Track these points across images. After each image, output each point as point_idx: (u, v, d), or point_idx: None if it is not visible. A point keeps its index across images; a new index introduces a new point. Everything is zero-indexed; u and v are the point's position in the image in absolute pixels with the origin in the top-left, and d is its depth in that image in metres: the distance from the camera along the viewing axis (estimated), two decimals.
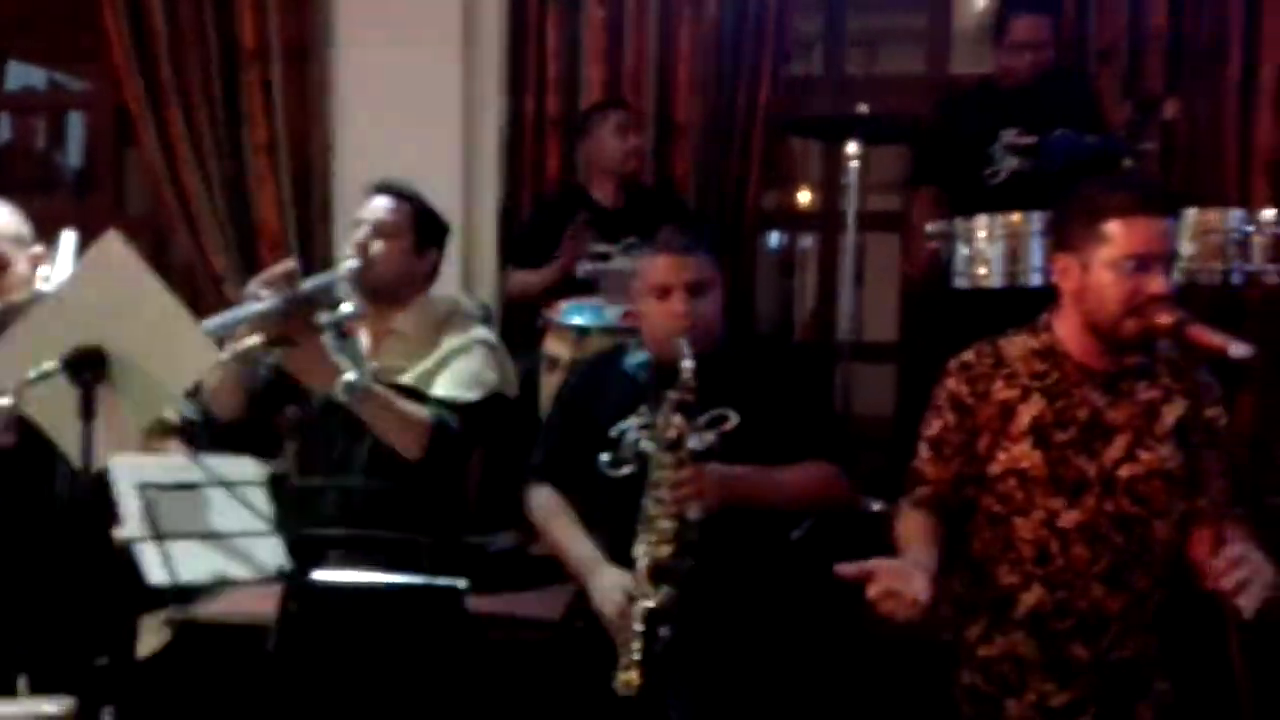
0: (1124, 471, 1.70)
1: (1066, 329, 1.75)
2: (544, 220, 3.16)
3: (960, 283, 2.61)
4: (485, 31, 3.46)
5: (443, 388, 2.01)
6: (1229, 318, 3.11)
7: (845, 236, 2.73)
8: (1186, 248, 2.35)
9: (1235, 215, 2.40)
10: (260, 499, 1.52)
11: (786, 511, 2.02)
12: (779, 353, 2.12)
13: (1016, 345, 1.78)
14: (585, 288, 3.01)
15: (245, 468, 1.52)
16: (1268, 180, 3.16)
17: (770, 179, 3.67)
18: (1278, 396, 2.89)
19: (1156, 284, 1.63)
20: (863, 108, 2.64)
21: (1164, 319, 1.62)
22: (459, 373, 2.01)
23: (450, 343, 2.04)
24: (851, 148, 2.66)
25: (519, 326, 3.15)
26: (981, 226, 2.56)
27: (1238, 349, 1.54)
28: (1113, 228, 1.66)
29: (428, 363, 2.03)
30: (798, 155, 4.40)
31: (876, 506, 3.30)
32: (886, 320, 4.18)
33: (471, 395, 2.00)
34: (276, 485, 1.61)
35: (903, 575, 1.52)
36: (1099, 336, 1.70)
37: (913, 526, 1.74)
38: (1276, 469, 2.26)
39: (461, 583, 1.65)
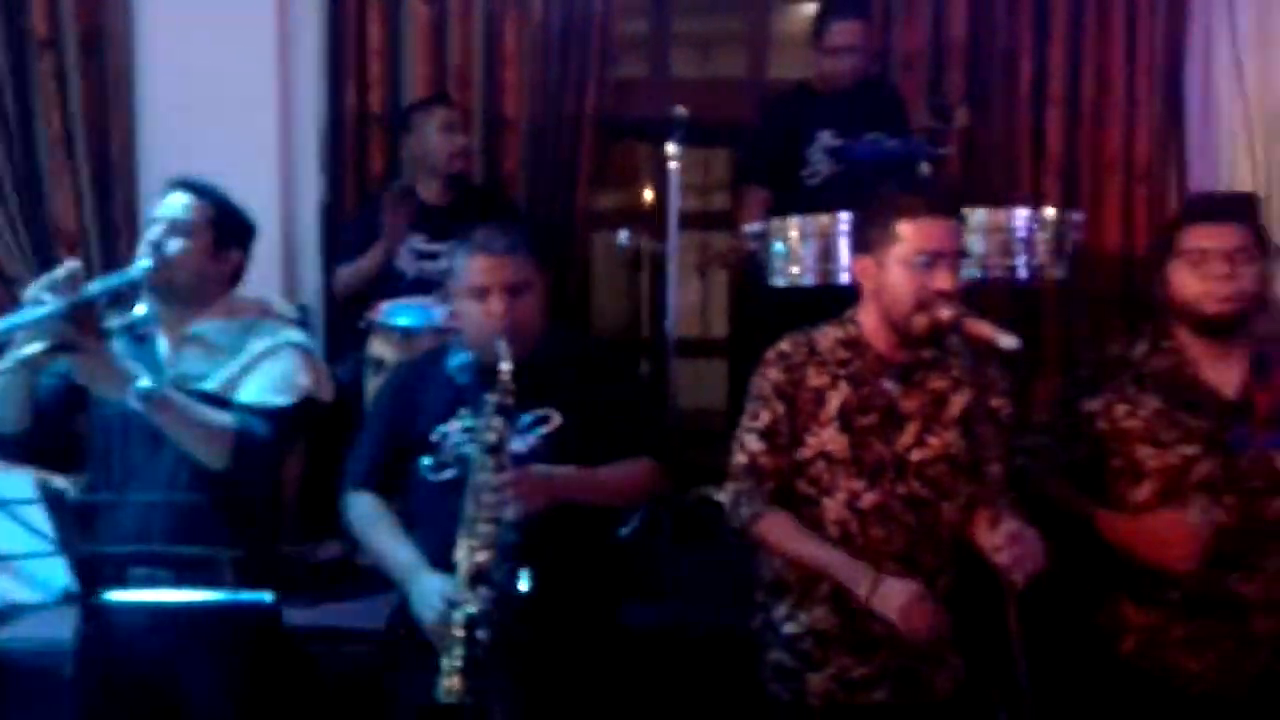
0: (914, 456, 1.81)
1: (868, 323, 1.85)
2: (370, 217, 3.08)
3: (778, 281, 2.70)
4: (302, 24, 3.36)
5: (250, 393, 1.92)
6: (1020, 309, 3.39)
7: (668, 235, 2.77)
8: (978, 245, 2.51)
9: (1021, 214, 2.58)
10: (40, 517, 1.42)
11: (611, 509, 2.05)
12: (600, 352, 2.13)
13: (827, 336, 1.87)
14: (413, 288, 2.96)
15: (21, 484, 1.41)
16: (1058, 182, 3.42)
17: (606, 178, 3.71)
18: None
19: (941, 280, 1.74)
20: (680, 110, 2.70)
21: (946, 313, 1.73)
22: (267, 376, 1.93)
23: (258, 346, 1.96)
24: (671, 148, 2.70)
25: (347, 329, 3.07)
26: (794, 227, 2.66)
27: (1006, 341, 1.66)
28: (903, 228, 1.77)
29: (233, 367, 1.94)
30: (641, 155, 4.47)
31: (720, 496, 3.40)
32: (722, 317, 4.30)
33: (281, 400, 1.92)
34: (65, 502, 1.50)
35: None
36: (894, 330, 1.81)
37: (798, 532, 1.79)
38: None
39: (268, 597, 1.59)
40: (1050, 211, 2.60)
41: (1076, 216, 2.66)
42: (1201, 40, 3.41)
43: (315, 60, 3.38)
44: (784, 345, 1.88)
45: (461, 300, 1.95)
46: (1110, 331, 3.01)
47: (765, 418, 1.84)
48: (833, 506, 1.81)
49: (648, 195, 5.68)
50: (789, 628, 1.83)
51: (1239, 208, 1.95)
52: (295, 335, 2.06)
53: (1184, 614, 1.81)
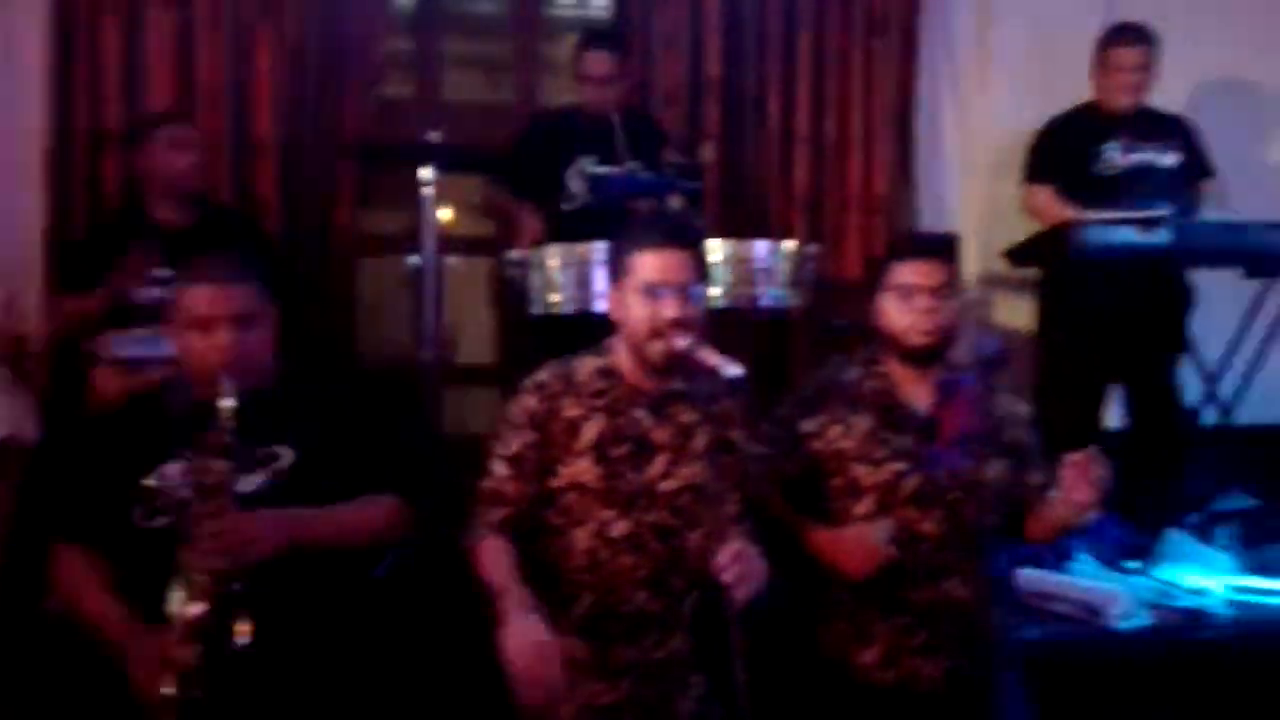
0: (663, 486, 1.85)
1: (621, 353, 1.89)
2: (99, 241, 2.87)
3: (536, 309, 2.72)
4: (23, 36, 3.09)
5: None
6: (769, 339, 3.57)
7: (424, 260, 2.73)
8: (724, 276, 2.63)
9: (761, 246, 2.72)
10: None
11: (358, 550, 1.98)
12: (340, 385, 2.06)
13: (585, 366, 1.89)
14: (151, 317, 2.77)
15: None
16: (804, 216, 3.63)
17: (382, 201, 3.61)
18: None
19: (671, 309, 1.80)
20: (435, 135, 2.67)
21: (678, 343, 1.79)
22: None
23: None
24: (424, 174, 2.67)
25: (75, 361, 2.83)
26: (553, 255, 2.69)
27: (732, 370, 1.74)
28: (636, 259, 1.83)
29: None
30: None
31: None
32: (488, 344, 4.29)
33: None
34: None
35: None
36: (639, 360, 1.85)
37: (502, 560, 1.77)
38: None
39: None
40: (788, 244, 2.75)
41: (812, 248, 2.83)
42: (929, 82, 3.71)
43: (39, 75, 3.11)
44: (542, 375, 1.89)
45: (183, 332, 1.84)
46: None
47: (515, 445, 1.84)
48: (583, 536, 1.82)
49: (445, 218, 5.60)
50: None
51: (942, 247, 2.12)
52: None
53: (918, 622, 1.94)
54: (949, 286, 2.01)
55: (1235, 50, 3.82)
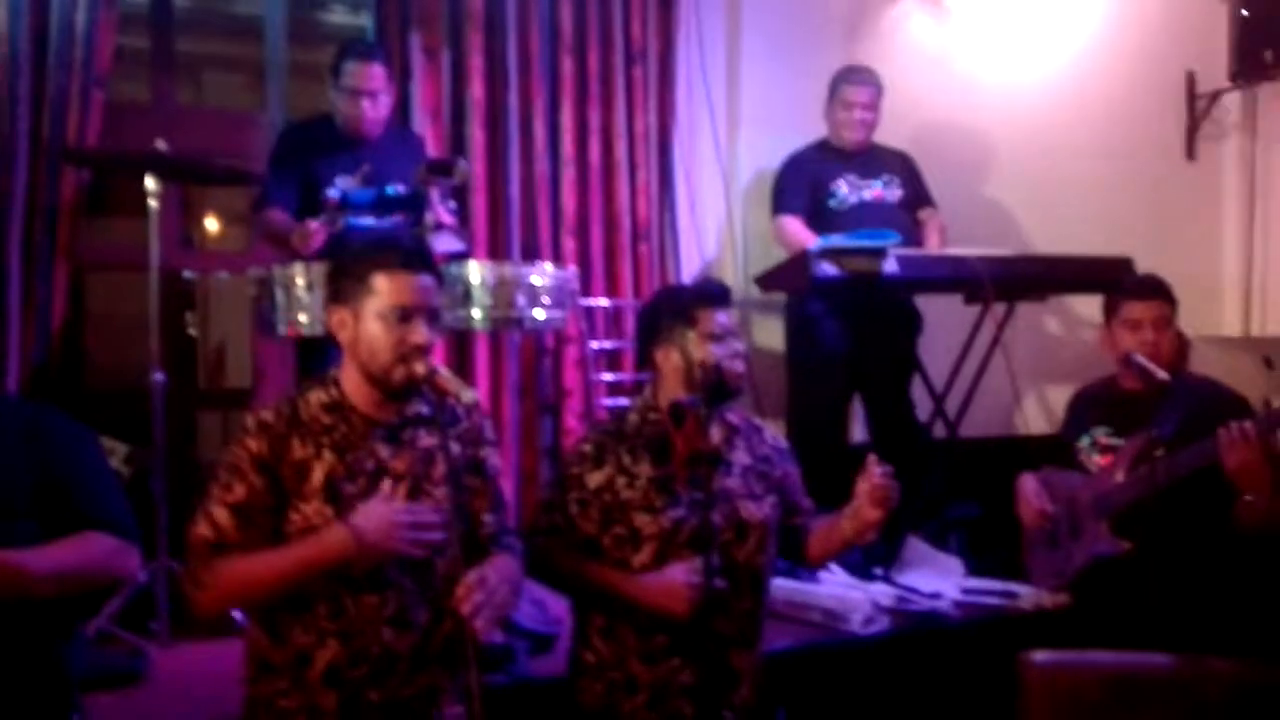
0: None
1: (350, 382, 1.79)
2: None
3: (280, 330, 2.57)
4: None
5: None
6: (540, 360, 3.55)
7: (150, 275, 2.52)
8: (486, 299, 2.60)
9: (523, 269, 2.71)
10: None
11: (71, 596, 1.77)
12: (46, 417, 1.82)
13: (311, 401, 1.78)
14: None
15: None
16: (574, 239, 3.63)
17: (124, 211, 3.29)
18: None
19: (417, 334, 1.74)
20: (160, 144, 2.47)
21: (420, 368, 1.73)
22: None
23: None
24: (149, 184, 2.47)
25: None
26: (299, 274, 2.55)
27: (467, 395, 1.74)
28: (379, 282, 1.75)
29: None
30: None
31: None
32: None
33: None
34: None
35: None
36: (375, 385, 1.77)
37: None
38: None
39: None
40: (547, 266, 2.75)
41: (572, 270, 2.84)
42: (686, 115, 3.84)
43: None
44: (266, 413, 1.76)
45: None
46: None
47: (240, 491, 1.70)
48: (319, 581, 1.70)
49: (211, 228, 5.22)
50: (284, 702, 1.72)
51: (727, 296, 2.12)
52: None
53: (683, 662, 1.92)
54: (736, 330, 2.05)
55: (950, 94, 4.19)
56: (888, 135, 3.70)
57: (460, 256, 2.85)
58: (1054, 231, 4.24)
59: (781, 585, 2.78)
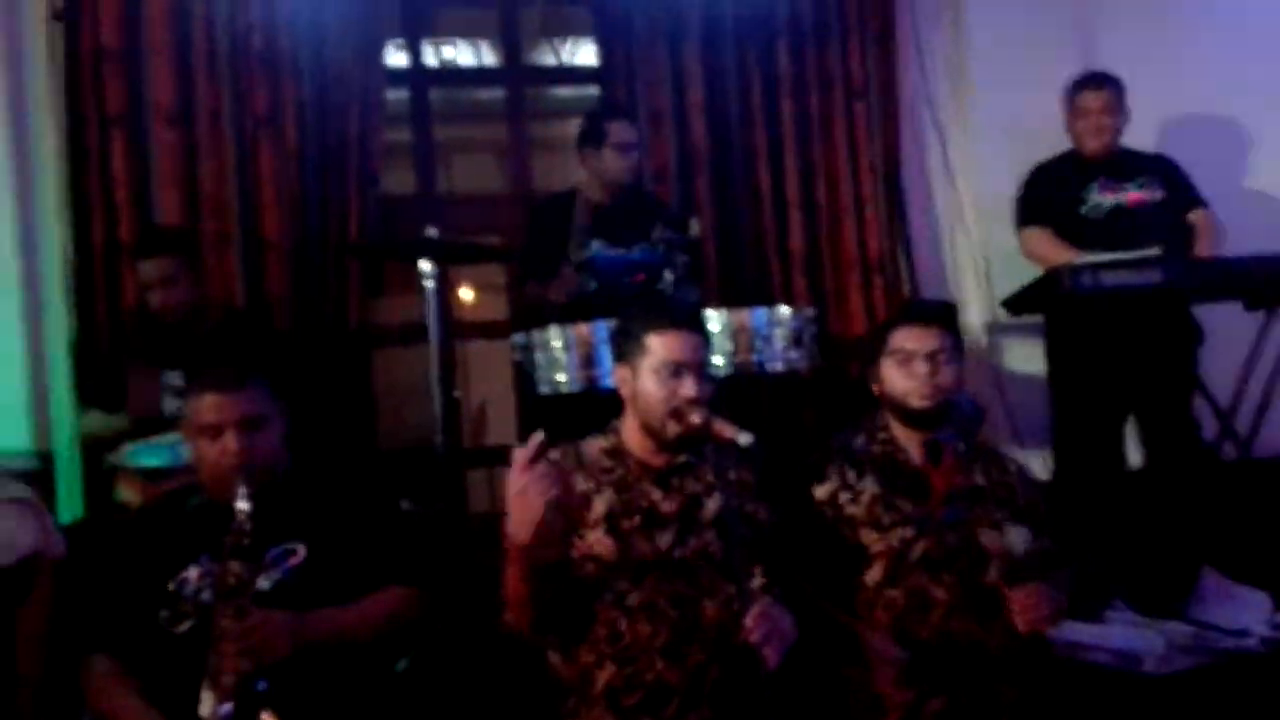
0: (676, 555, 1.87)
1: (629, 431, 1.95)
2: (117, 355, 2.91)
3: (543, 389, 2.76)
4: (41, 158, 3.25)
5: None
6: (778, 400, 3.58)
7: (432, 347, 2.79)
8: (726, 345, 2.67)
9: (759, 313, 2.76)
10: None
11: (373, 644, 1.98)
12: (348, 479, 2.08)
13: (592, 446, 1.95)
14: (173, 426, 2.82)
15: None
16: (804, 279, 3.67)
17: (395, 290, 3.68)
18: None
19: (688, 388, 1.86)
20: (432, 230, 2.75)
21: (695, 419, 1.84)
22: None
23: None
24: (424, 266, 2.75)
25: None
26: (556, 337, 2.73)
27: (744, 438, 1.76)
28: (654, 339, 1.89)
29: None
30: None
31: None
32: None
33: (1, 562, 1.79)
34: None
35: None
36: (651, 436, 1.90)
37: None
38: None
39: None
40: (783, 309, 2.79)
41: (809, 311, 2.87)
42: (914, 146, 3.79)
43: (56, 194, 3.25)
44: (553, 454, 1.91)
45: (194, 439, 1.89)
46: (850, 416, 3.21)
47: None
48: (600, 607, 1.84)
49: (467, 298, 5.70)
50: None
51: (941, 313, 2.14)
52: (18, 490, 1.93)
53: (933, 690, 1.91)
54: (947, 351, 2.04)
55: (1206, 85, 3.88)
56: (1134, 137, 3.48)
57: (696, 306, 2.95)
58: None
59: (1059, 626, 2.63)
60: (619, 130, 3.25)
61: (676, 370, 1.86)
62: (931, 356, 2.03)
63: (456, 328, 5.17)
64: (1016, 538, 1.95)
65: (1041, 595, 1.88)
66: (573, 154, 3.36)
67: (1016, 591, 1.87)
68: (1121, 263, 3.02)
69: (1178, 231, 3.35)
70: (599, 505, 1.88)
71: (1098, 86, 3.40)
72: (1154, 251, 3.03)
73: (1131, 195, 3.40)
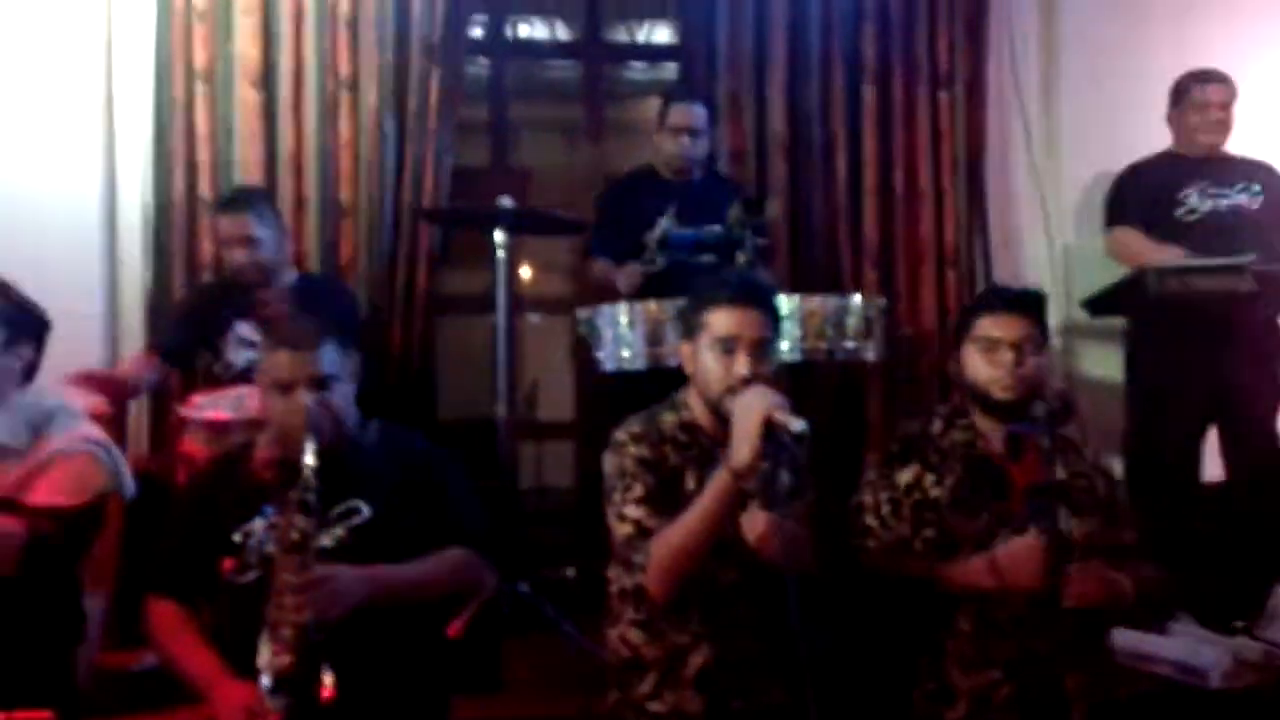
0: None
1: (697, 407, 1.92)
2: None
3: (607, 365, 2.75)
4: (131, 111, 3.32)
5: (43, 494, 1.83)
6: (845, 389, 3.54)
7: (498, 319, 2.79)
8: (794, 331, 2.63)
9: (829, 300, 2.72)
10: None
11: (434, 603, 2.00)
12: (414, 442, 2.08)
13: (666, 420, 1.92)
14: (242, 379, 2.87)
15: None
16: (876, 269, 3.61)
17: (465, 262, 3.70)
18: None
19: (744, 366, 1.82)
20: (506, 200, 2.75)
21: None
22: (60, 477, 1.85)
23: (49, 445, 1.87)
24: (498, 237, 2.75)
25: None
26: (623, 313, 2.73)
27: (796, 425, 1.70)
28: (709, 316, 1.86)
29: (24, 468, 1.85)
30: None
31: (570, 573, 3.38)
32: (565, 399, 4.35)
33: (74, 501, 1.83)
34: None
35: None
36: (714, 413, 1.86)
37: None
38: None
39: (45, 714, 1.49)
40: (856, 297, 2.75)
41: (880, 301, 2.82)
42: (998, 138, 3.69)
43: (143, 147, 3.32)
44: (635, 427, 1.91)
45: (267, 394, 1.91)
46: (915, 409, 3.16)
47: (639, 489, 1.84)
48: (693, 585, 1.81)
49: (525, 275, 5.74)
50: (655, 706, 1.83)
51: (1028, 301, 2.07)
52: (89, 432, 1.98)
53: (1006, 675, 1.88)
54: (1033, 341, 1.98)
55: None
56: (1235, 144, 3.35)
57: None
58: None
59: (1125, 635, 2.56)
60: (677, 113, 3.24)
61: (729, 346, 1.82)
62: (1017, 346, 1.96)
63: (520, 302, 5.21)
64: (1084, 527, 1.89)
65: (1093, 573, 1.84)
66: (644, 138, 3.35)
67: (1071, 569, 1.83)
68: (1212, 268, 2.92)
69: (1274, 240, 3.22)
70: (690, 481, 1.85)
71: (1221, 81, 3.28)
72: (1248, 258, 2.92)
73: (1232, 200, 3.27)
